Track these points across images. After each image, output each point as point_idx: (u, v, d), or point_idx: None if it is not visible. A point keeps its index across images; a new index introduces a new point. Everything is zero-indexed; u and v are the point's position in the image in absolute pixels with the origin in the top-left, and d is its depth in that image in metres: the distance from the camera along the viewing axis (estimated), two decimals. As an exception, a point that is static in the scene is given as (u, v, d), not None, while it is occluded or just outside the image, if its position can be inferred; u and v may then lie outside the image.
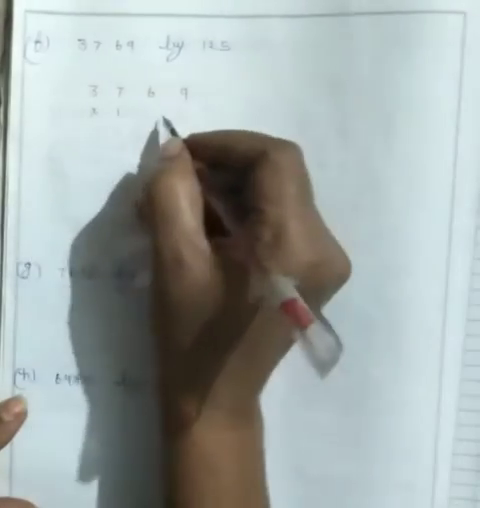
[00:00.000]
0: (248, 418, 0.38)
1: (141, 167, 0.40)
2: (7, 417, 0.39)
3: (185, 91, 0.40)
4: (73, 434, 0.41)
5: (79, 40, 0.39)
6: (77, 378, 0.41)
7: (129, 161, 0.40)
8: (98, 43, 0.39)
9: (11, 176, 0.40)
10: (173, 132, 0.39)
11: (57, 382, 0.41)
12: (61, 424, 0.41)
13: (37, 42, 0.39)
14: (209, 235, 0.36)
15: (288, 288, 0.32)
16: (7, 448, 0.40)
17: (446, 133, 0.39)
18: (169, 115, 0.40)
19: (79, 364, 0.41)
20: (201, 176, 0.37)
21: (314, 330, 0.30)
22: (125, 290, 0.41)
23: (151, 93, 0.40)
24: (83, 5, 0.39)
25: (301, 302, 0.31)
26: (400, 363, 0.40)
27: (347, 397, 0.40)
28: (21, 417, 0.40)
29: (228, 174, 0.37)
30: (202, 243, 0.35)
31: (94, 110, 0.40)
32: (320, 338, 0.30)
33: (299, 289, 0.32)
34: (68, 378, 0.41)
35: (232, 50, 0.40)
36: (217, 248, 0.35)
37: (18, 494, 0.41)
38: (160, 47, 0.40)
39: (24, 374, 0.41)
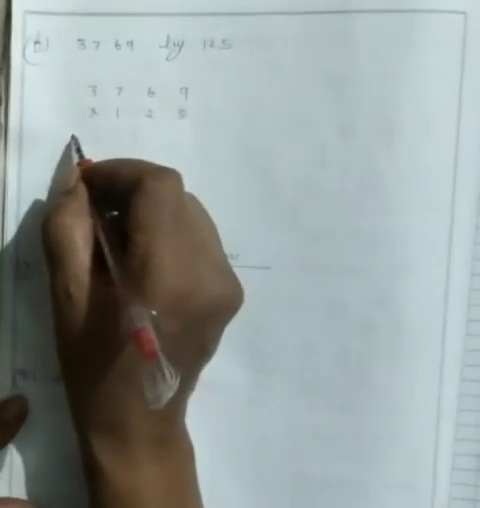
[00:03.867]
0: (169, 447, 0.36)
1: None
2: (7, 417, 0.40)
3: (185, 90, 0.40)
4: (73, 434, 0.41)
5: (78, 40, 0.39)
6: (77, 378, 0.41)
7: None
8: (97, 43, 0.39)
9: (11, 176, 0.40)
10: (79, 151, 0.39)
11: (57, 382, 0.41)
12: (61, 424, 0.41)
13: (36, 42, 0.39)
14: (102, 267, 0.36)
15: (139, 318, 0.32)
16: (7, 448, 0.40)
17: (447, 133, 0.39)
18: (169, 115, 0.40)
19: (79, 364, 0.41)
20: (94, 207, 0.37)
21: (155, 362, 0.30)
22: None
23: (151, 93, 0.40)
24: (82, 5, 0.39)
25: (147, 333, 0.31)
26: (400, 363, 0.40)
27: (347, 398, 0.40)
28: (21, 417, 0.40)
29: (116, 203, 0.37)
30: (89, 280, 0.35)
31: (94, 110, 0.40)
32: (159, 371, 0.30)
33: (162, 320, 0.32)
34: (68, 378, 0.41)
35: (233, 49, 0.40)
36: (105, 283, 0.35)
37: (18, 494, 0.41)
38: (160, 46, 0.40)
39: (24, 374, 0.41)
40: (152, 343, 0.31)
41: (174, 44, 0.40)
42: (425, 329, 0.40)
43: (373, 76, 0.39)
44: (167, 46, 0.40)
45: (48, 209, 0.37)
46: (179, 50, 0.40)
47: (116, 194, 0.36)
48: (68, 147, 0.40)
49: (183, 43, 0.40)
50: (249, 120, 0.40)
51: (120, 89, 0.40)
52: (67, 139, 0.40)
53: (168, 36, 0.40)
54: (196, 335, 0.35)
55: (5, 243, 0.40)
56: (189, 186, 0.40)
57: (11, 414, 0.40)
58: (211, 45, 0.40)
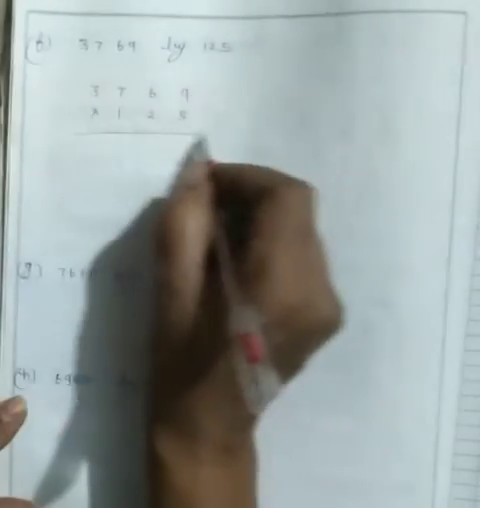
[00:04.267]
0: (235, 455, 0.36)
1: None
2: (7, 418, 0.39)
3: (186, 92, 0.40)
4: (73, 434, 0.41)
5: (81, 40, 0.40)
6: (77, 378, 0.41)
7: (130, 161, 0.40)
8: (100, 43, 0.40)
9: (12, 176, 0.40)
10: (205, 151, 0.39)
11: (57, 382, 0.41)
12: (61, 424, 0.41)
13: (39, 42, 0.39)
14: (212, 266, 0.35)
15: (248, 321, 0.31)
16: (7, 448, 0.40)
17: (447, 133, 0.39)
18: (170, 116, 0.40)
19: (79, 364, 0.41)
20: (213, 206, 0.37)
21: (260, 366, 0.30)
22: (125, 290, 0.41)
23: (152, 94, 0.40)
24: (85, 5, 0.39)
25: (256, 337, 0.30)
26: (400, 363, 0.40)
27: (347, 398, 0.40)
28: (21, 417, 0.40)
29: (237, 207, 0.36)
30: (198, 276, 0.35)
31: (95, 110, 0.40)
32: (263, 374, 0.30)
33: (269, 328, 0.31)
34: (68, 378, 0.41)
35: (233, 51, 0.40)
36: (213, 282, 0.35)
37: (18, 494, 0.41)
38: (161, 48, 0.40)
39: (24, 374, 0.41)
40: (261, 347, 0.30)
41: (175, 46, 0.40)
42: (425, 329, 0.40)
43: (372, 77, 0.39)
44: (168, 48, 0.40)
45: (169, 199, 0.37)
46: (180, 52, 0.40)
47: (240, 198, 0.36)
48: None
49: (184, 45, 0.40)
50: (249, 121, 0.40)
51: (122, 89, 0.40)
52: (68, 139, 0.40)
53: (169, 38, 0.40)
54: (295, 350, 0.34)
55: (5, 243, 0.40)
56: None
57: (10, 414, 0.40)
58: (211, 47, 0.40)
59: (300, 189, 0.35)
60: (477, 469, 0.41)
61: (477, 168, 0.39)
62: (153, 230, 0.37)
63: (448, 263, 0.39)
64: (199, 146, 0.39)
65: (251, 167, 0.37)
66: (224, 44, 0.40)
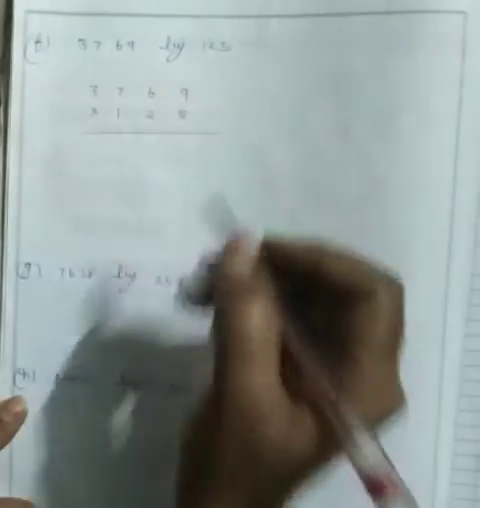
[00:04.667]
0: None
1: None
2: (7, 417, 0.40)
3: (185, 91, 0.40)
4: (72, 434, 0.41)
5: (79, 40, 0.40)
6: (77, 378, 0.41)
7: (129, 160, 0.40)
8: (98, 43, 0.40)
9: (11, 176, 0.40)
10: (226, 212, 0.33)
11: (57, 382, 0.41)
12: (61, 424, 0.41)
13: (37, 42, 0.39)
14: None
15: (378, 457, 0.30)
16: (7, 448, 0.40)
17: (446, 133, 0.39)
18: (169, 115, 0.40)
19: (79, 364, 0.41)
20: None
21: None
22: (125, 290, 0.41)
23: (151, 93, 0.40)
24: (83, 5, 0.39)
25: (395, 473, 0.29)
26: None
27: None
28: (21, 417, 0.40)
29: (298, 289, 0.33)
30: (281, 396, 0.31)
31: (94, 110, 0.40)
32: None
33: None
34: (68, 378, 0.41)
35: (232, 51, 0.40)
36: (293, 395, 0.31)
37: (18, 494, 0.41)
38: (160, 47, 0.40)
39: (24, 374, 0.41)
40: (401, 482, 0.29)
41: (174, 45, 0.40)
42: (425, 329, 0.40)
43: (372, 77, 0.39)
44: (167, 47, 0.40)
45: (227, 302, 0.31)
46: (179, 51, 0.40)
47: (320, 291, 0.32)
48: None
49: (183, 44, 0.40)
50: (248, 121, 0.40)
51: (121, 89, 0.40)
52: (67, 139, 0.40)
53: (168, 37, 0.40)
54: None
55: (5, 243, 0.40)
56: (189, 186, 0.40)
57: (11, 414, 0.40)
58: (210, 47, 0.40)
59: (397, 291, 0.32)
60: (477, 469, 0.41)
61: (477, 168, 0.39)
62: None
63: (448, 263, 0.39)
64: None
65: (333, 256, 0.32)
66: (223, 43, 0.40)
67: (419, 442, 0.40)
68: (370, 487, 0.29)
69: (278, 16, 0.39)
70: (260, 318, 0.31)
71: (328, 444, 0.31)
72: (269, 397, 0.30)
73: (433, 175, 0.39)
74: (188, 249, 0.40)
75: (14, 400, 0.40)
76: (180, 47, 0.40)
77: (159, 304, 0.40)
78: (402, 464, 0.40)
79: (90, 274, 0.41)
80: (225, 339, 0.31)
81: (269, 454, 0.30)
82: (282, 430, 0.30)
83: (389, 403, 0.32)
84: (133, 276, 0.41)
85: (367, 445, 0.30)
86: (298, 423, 0.31)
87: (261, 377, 0.30)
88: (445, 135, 0.39)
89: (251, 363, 0.30)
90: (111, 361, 0.41)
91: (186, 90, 0.40)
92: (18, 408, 0.40)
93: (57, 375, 0.41)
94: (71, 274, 0.41)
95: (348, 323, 0.31)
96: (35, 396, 0.41)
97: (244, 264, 0.32)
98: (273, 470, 0.31)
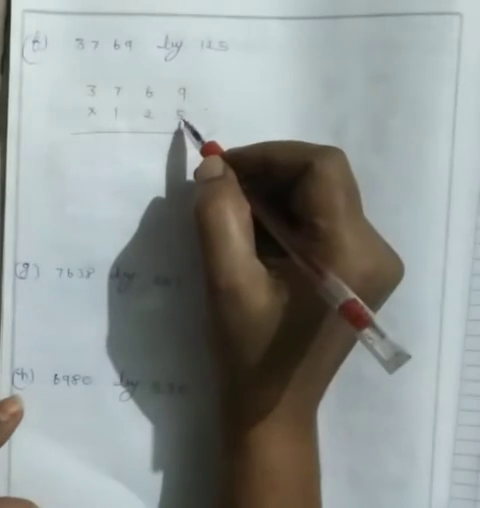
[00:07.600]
0: (307, 430, 0.37)
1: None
2: (3, 417, 0.40)
3: (183, 91, 0.40)
4: (71, 434, 0.41)
5: (77, 40, 0.39)
6: (75, 378, 0.41)
7: (127, 160, 0.40)
8: (96, 42, 0.39)
9: (9, 176, 0.40)
10: (196, 136, 0.39)
11: (55, 382, 0.41)
12: (60, 424, 0.41)
13: (35, 42, 0.39)
14: (259, 254, 0.35)
15: (346, 290, 0.31)
16: (5, 448, 0.40)
17: (443, 134, 0.39)
18: (167, 115, 0.40)
19: (77, 364, 0.41)
20: (246, 193, 0.36)
21: (374, 329, 0.30)
22: (123, 290, 0.41)
23: (149, 93, 0.40)
24: (81, 5, 0.39)
25: (356, 302, 0.30)
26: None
27: (346, 396, 0.40)
28: (17, 417, 0.40)
29: (267, 185, 0.36)
30: (257, 267, 0.35)
31: (92, 110, 0.40)
32: (380, 336, 0.30)
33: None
34: (66, 378, 0.41)
35: (230, 50, 0.40)
36: (270, 268, 0.35)
37: (17, 494, 0.41)
38: (158, 47, 0.40)
39: (22, 374, 0.41)
40: (366, 310, 0.30)
41: (172, 44, 0.40)
42: (424, 329, 0.40)
43: (368, 78, 0.39)
44: (165, 46, 0.40)
45: (201, 195, 0.35)
46: (177, 50, 0.40)
47: (271, 179, 0.36)
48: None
49: (181, 44, 0.40)
50: (245, 120, 0.40)
51: (118, 89, 0.40)
52: (65, 139, 0.40)
53: (166, 36, 0.40)
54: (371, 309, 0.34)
55: (4, 243, 0.40)
56: (188, 184, 0.40)
57: (7, 414, 0.40)
58: (209, 46, 0.40)
59: (336, 157, 0.35)
60: (477, 469, 0.41)
61: (475, 167, 0.39)
62: (196, 232, 0.36)
63: (447, 263, 0.39)
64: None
65: (275, 145, 0.36)
66: (221, 43, 0.40)
67: (419, 442, 0.40)
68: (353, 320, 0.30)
69: (276, 17, 0.40)
70: (233, 201, 0.35)
71: (312, 311, 0.34)
72: (251, 269, 0.34)
73: (429, 176, 0.39)
74: (187, 249, 0.40)
75: (10, 400, 0.40)
76: (178, 46, 0.40)
77: (158, 304, 0.40)
78: (401, 462, 0.41)
79: (88, 274, 0.41)
80: (205, 226, 0.34)
81: (257, 319, 0.34)
82: (266, 297, 0.34)
83: (372, 263, 0.34)
84: (131, 276, 0.41)
85: (342, 288, 0.31)
86: (281, 292, 0.34)
87: (241, 254, 0.34)
88: (441, 136, 0.39)
89: (231, 243, 0.34)
90: (110, 361, 0.41)
91: (184, 89, 0.40)
92: (14, 408, 0.40)
93: (55, 375, 0.41)
94: (69, 274, 0.40)
95: (301, 199, 0.34)
96: (33, 396, 0.40)
97: (215, 163, 0.37)
98: (265, 334, 0.34)
